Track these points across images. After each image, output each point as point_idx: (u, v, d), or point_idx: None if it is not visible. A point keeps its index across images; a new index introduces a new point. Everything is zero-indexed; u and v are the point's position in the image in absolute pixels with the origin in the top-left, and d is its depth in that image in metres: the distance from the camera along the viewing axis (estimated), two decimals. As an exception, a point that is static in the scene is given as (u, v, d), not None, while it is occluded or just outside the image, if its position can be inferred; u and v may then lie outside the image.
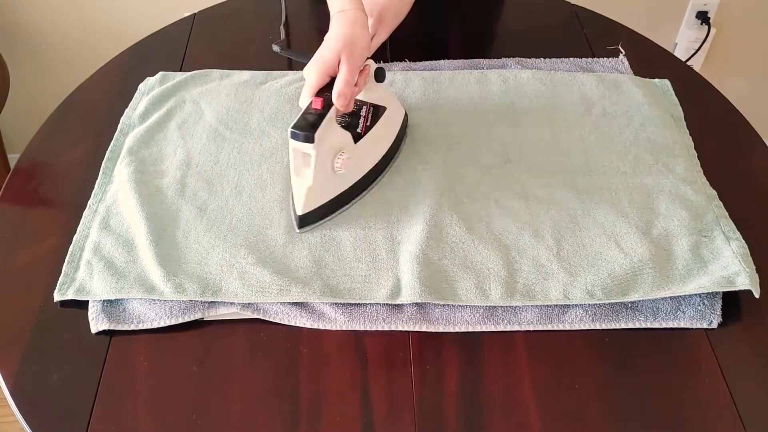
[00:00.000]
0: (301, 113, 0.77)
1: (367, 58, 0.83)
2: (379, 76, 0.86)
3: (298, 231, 0.81)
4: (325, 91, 0.78)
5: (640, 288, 0.75)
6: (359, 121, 0.85)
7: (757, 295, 0.74)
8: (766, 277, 0.77)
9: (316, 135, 0.75)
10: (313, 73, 0.79)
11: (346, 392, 0.70)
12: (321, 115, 0.76)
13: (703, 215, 0.83)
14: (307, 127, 0.75)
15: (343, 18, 0.81)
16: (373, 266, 0.78)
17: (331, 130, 0.78)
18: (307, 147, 0.76)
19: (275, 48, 0.93)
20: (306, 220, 0.81)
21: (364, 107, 0.87)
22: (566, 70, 1.06)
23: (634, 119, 0.96)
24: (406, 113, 0.92)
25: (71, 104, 1.04)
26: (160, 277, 0.76)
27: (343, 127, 0.82)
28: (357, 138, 0.83)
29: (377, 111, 0.87)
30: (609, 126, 0.95)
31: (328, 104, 0.77)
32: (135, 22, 1.57)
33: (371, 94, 0.87)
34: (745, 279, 0.74)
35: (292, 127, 0.76)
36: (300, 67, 0.84)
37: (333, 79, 0.78)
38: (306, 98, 0.79)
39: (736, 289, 0.74)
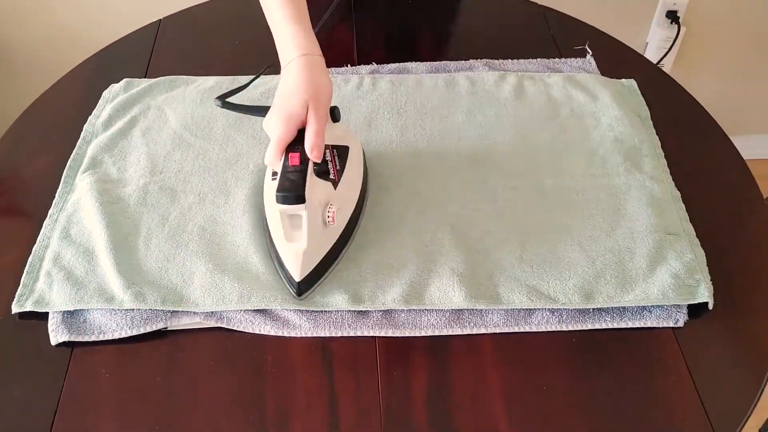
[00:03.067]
0: (280, 175, 0.72)
1: None
2: (335, 115, 0.80)
3: (299, 299, 0.75)
4: (296, 144, 0.73)
5: (603, 290, 0.75)
6: (328, 167, 0.80)
7: (710, 307, 0.75)
8: (727, 277, 0.78)
9: (306, 194, 0.71)
10: (279, 128, 0.72)
11: (313, 400, 0.69)
12: (302, 172, 0.71)
13: (670, 214, 0.83)
14: (294, 188, 0.70)
15: (304, 64, 0.76)
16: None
17: (315, 184, 0.74)
18: (298, 209, 0.71)
19: (217, 103, 0.82)
20: (305, 285, 0.75)
21: (327, 150, 0.81)
22: (534, 70, 1.06)
23: (601, 120, 0.96)
24: (362, 148, 0.88)
25: (34, 112, 1.02)
26: (120, 286, 0.74)
27: (320, 177, 0.77)
28: (335, 184, 0.79)
29: (343, 152, 0.83)
30: (577, 127, 0.95)
31: (304, 159, 0.72)
32: (99, 29, 1.55)
33: (331, 134, 0.79)
34: (704, 291, 0.75)
35: (279, 191, 0.70)
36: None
37: (299, 132, 0.73)
38: (275, 156, 0.73)
39: (696, 302, 0.75)
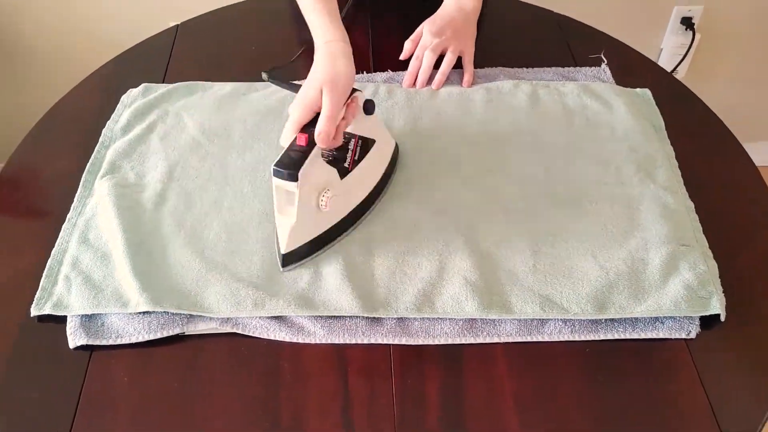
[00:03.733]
0: (284, 150, 0.75)
1: (357, 90, 0.81)
2: (368, 108, 0.83)
3: (281, 270, 0.78)
4: (309, 126, 0.76)
5: (616, 301, 0.75)
6: (347, 155, 0.82)
7: (722, 319, 0.75)
8: (740, 287, 0.78)
9: (300, 173, 0.73)
10: (296, 110, 0.77)
11: (327, 406, 0.70)
12: (305, 152, 0.74)
13: (683, 225, 0.83)
14: (290, 165, 0.73)
15: (326, 51, 0.80)
16: (349, 278, 0.78)
17: (316, 167, 0.75)
18: (290, 185, 0.74)
19: (264, 76, 0.90)
20: (290, 259, 0.78)
21: (353, 140, 0.84)
22: (549, 79, 1.06)
23: (616, 129, 0.96)
24: (396, 144, 0.90)
25: (54, 116, 1.03)
26: (136, 290, 0.75)
27: (329, 162, 0.80)
28: (344, 173, 0.80)
29: (366, 144, 0.85)
30: (591, 136, 0.96)
31: (312, 141, 0.75)
32: (119, 32, 1.57)
33: (360, 126, 0.83)
34: (716, 303, 0.75)
35: (275, 165, 0.73)
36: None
37: (317, 115, 0.76)
38: (289, 135, 0.77)
39: (708, 313, 0.75)
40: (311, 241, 0.79)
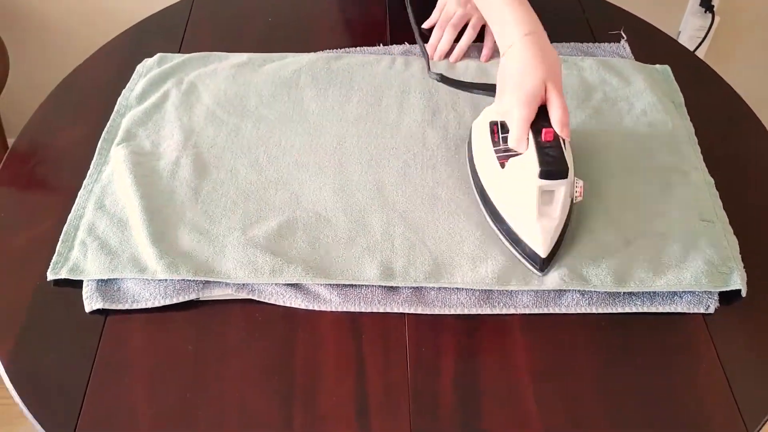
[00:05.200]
0: (536, 151, 0.72)
1: None
2: None
3: (541, 275, 0.74)
4: (537, 123, 0.74)
5: (636, 274, 0.74)
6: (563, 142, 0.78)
7: (743, 294, 0.74)
8: (759, 264, 0.77)
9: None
10: (522, 109, 0.74)
11: (342, 374, 0.69)
12: (558, 147, 0.72)
13: (704, 200, 0.82)
14: (558, 163, 0.71)
15: (533, 42, 0.76)
16: (367, 248, 0.77)
17: (568, 159, 0.74)
18: (559, 183, 0.72)
19: (432, 77, 0.89)
20: (548, 261, 0.74)
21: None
22: (567, 54, 1.05)
23: (635, 105, 0.95)
24: None
25: (69, 85, 1.03)
26: (153, 256, 0.75)
27: None
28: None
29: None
30: (610, 111, 0.95)
31: (555, 135, 0.73)
32: (135, 3, 1.56)
33: None
34: (737, 278, 0.74)
35: (543, 166, 0.71)
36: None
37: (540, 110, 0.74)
38: (521, 136, 0.74)
39: (728, 289, 0.74)
40: (560, 236, 0.76)
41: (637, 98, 0.96)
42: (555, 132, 0.73)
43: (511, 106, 0.75)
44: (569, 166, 0.73)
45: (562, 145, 0.73)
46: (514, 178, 0.76)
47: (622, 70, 1.01)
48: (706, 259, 0.75)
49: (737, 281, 0.74)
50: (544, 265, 0.74)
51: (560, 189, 0.73)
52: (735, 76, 1.84)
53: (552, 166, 0.71)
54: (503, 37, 0.80)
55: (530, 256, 0.74)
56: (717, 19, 1.75)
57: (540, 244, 0.73)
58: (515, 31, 0.78)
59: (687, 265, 0.75)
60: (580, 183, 0.75)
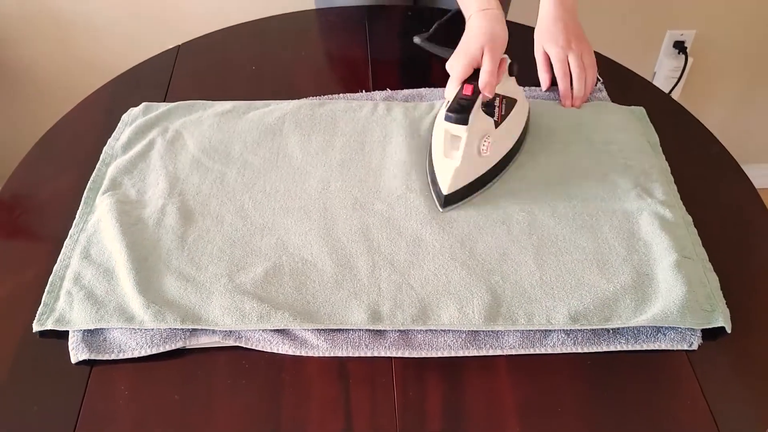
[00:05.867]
0: (452, 99, 0.83)
1: (504, 55, 0.90)
2: (512, 70, 0.93)
3: (441, 210, 0.87)
4: (471, 80, 0.85)
5: (622, 313, 0.76)
6: (494, 110, 0.92)
7: (728, 331, 0.75)
8: (740, 301, 0.79)
9: (470, 118, 0.81)
10: (458, 65, 0.86)
11: (329, 418, 0.69)
12: (472, 101, 0.82)
13: (683, 238, 0.84)
14: (460, 110, 0.82)
15: (484, 16, 0.91)
16: (354, 292, 0.78)
17: (479, 115, 0.85)
18: (459, 129, 0.83)
19: (416, 40, 1.07)
20: (451, 199, 0.86)
21: (497, 98, 0.94)
22: (545, 97, 1.08)
23: (611, 145, 0.97)
24: (529, 108, 0.99)
25: (55, 135, 1.04)
26: (140, 305, 0.75)
27: (486, 113, 0.88)
28: (496, 125, 0.89)
29: (510, 102, 0.94)
30: (588, 152, 0.97)
31: (476, 92, 0.83)
32: (120, 55, 1.59)
33: (503, 87, 0.94)
34: (718, 316, 0.76)
35: (448, 110, 0.82)
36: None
37: (475, 71, 0.86)
38: (453, 88, 0.86)
39: (712, 326, 0.75)
40: (469, 184, 0.87)
41: (613, 139, 0.98)
42: (475, 89, 0.83)
43: (453, 64, 0.88)
44: (486, 120, 0.87)
45: (478, 103, 0.83)
46: (438, 124, 0.90)
47: (599, 112, 1.03)
48: (690, 296, 0.76)
49: (719, 319, 0.75)
50: (446, 201, 0.86)
51: (463, 136, 0.83)
52: (708, 114, 1.88)
53: (455, 112, 0.82)
54: (465, 10, 0.96)
55: (437, 193, 0.87)
56: (690, 60, 1.80)
57: (444, 182, 0.86)
58: (471, 6, 0.93)
59: (671, 302, 0.76)
60: (490, 139, 0.86)
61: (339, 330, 0.75)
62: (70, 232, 0.86)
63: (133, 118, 1.03)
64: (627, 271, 0.80)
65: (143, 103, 1.05)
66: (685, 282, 0.78)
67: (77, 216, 0.88)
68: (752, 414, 0.70)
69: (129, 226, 0.85)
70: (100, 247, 0.83)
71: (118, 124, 1.02)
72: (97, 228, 0.86)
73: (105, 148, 0.98)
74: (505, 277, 0.79)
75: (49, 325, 0.76)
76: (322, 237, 0.84)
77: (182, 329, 0.75)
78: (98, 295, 0.77)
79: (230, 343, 0.75)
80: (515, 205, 0.88)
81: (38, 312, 0.77)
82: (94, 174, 0.94)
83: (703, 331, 0.76)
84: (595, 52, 1.18)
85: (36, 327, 0.76)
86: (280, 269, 0.80)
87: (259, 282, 0.79)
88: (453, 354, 0.74)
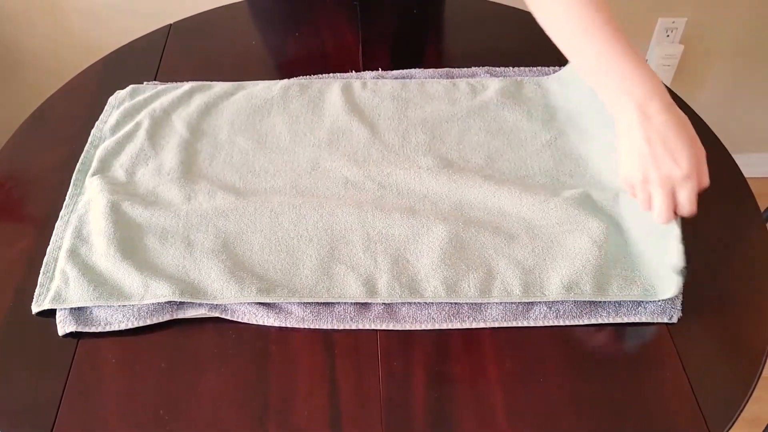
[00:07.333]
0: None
1: None
2: None
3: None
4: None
5: (614, 282, 0.77)
6: None
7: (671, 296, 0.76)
8: (722, 280, 0.80)
9: None
10: (663, 202, 0.73)
11: (315, 388, 0.70)
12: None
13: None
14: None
15: (670, 120, 0.70)
16: (351, 266, 0.79)
17: None
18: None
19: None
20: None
21: None
22: (536, 75, 1.08)
23: (597, 123, 0.98)
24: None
25: (43, 114, 1.04)
26: (138, 282, 0.77)
27: None
28: None
29: None
30: (573, 130, 0.97)
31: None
32: (110, 34, 1.58)
33: None
34: (672, 285, 0.75)
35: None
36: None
37: None
38: (670, 216, 0.74)
39: (668, 296, 0.76)
40: None
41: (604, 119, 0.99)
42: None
43: (654, 193, 0.73)
44: None
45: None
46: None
47: (588, 90, 1.04)
48: (662, 269, 0.77)
49: (672, 289, 0.75)
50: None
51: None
52: (699, 103, 1.89)
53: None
54: (610, 94, 0.74)
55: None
56: (681, 47, 1.81)
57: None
58: (618, 90, 0.73)
59: (659, 272, 0.77)
60: None
61: (325, 303, 0.76)
62: (61, 213, 0.86)
63: (119, 100, 1.03)
64: (615, 241, 0.81)
65: (130, 86, 1.05)
66: (660, 258, 0.78)
67: (67, 198, 0.88)
68: (731, 386, 0.71)
69: (120, 206, 0.85)
70: (93, 227, 0.84)
71: (105, 107, 1.02)
72: (88, 208, 0.86)
73: (93, 131, 0.98)
74: (498, 249, 0.80)
75: (47, 305, 0.76)
76: (315, 211, 0.85)
77: (170, 302, 0.76)
78: (93, 274, 0.78)
79: (216, 314, 0.75)
80: (504, 183, 0.88)
81: (35, 294, 0.78)
82: (82, 156, 0.94)
83: (684, 305, 0.77)
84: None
85: (35, 309, 0.77)
86: (276, 244, 0.81)
87: (256, 257, 0.80)
88: (437, 326, 0.75)
